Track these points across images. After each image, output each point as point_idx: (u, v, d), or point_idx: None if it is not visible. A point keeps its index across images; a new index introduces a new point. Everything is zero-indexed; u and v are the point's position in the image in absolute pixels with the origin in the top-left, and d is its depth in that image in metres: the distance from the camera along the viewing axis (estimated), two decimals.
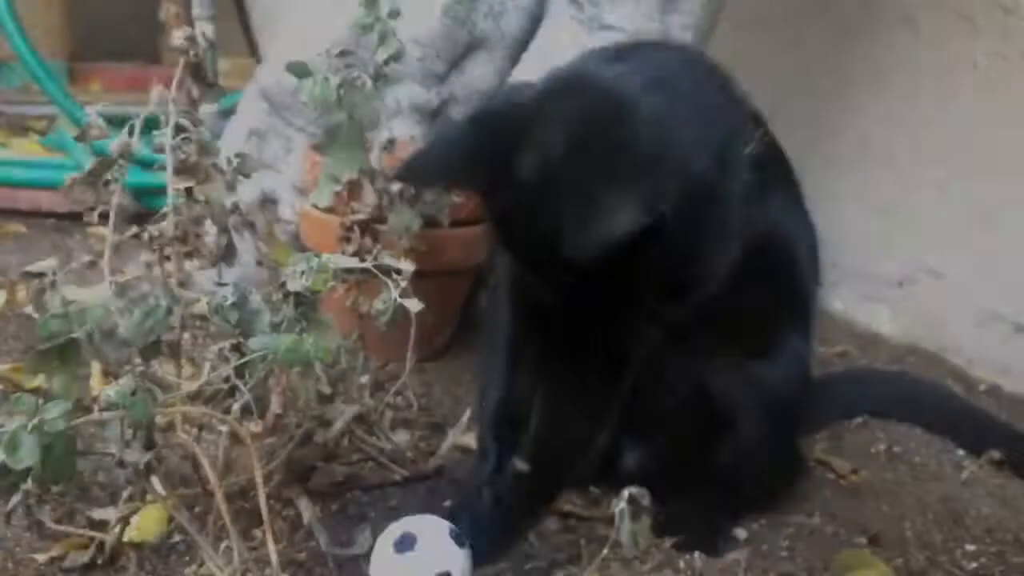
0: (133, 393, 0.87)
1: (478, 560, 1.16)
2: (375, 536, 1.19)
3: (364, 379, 1.64)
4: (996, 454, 1.63)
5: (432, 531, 1.12)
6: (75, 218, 2.30)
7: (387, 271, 1.18)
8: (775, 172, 1.38)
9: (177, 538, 1.21)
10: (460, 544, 1.12)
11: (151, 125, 1.12)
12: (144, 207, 1.13)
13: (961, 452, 1.67)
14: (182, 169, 1.11)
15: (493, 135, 1.11)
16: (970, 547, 1.39)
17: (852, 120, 2.24)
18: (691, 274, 1.19)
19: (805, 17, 2.33)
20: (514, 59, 1.93)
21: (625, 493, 1.17)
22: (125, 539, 1.17)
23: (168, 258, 1.11)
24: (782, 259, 1.38)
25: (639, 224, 0.99)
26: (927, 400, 1.78)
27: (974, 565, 1.34)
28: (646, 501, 1.19)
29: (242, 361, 1.01)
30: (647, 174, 1.04)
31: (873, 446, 1.67)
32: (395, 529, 1.12)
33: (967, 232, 2.03)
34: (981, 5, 1.96)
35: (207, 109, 2.44)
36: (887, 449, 1.66)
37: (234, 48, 3.68)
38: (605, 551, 1.22)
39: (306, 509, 1.25)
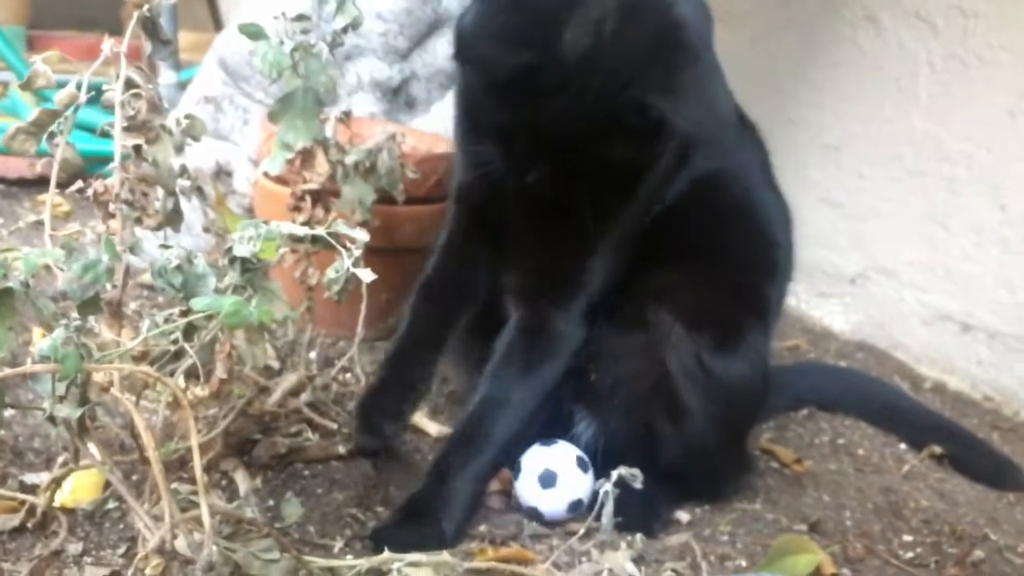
0: (65, 346, 0.84)
1: None
2: (304, 507, 1.21)
3: (313, 354, 1.64)
4: (937, 449, 1.65)
5: (565, 464, 1.31)
6: (24, 184, 2.27)
7: (340, 240, 1.16)
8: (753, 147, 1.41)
9: (112, 505, 1.18)
10: (585, 469, 1.31)
11: (99, 93, 1.09)
12: (89, 175, 1.10)
13: (903, 446, 1.70)
14: (131, 126, 1.08)
15: (539, 13, 1.12)
16: (907, 537, 1.41)
17: (811, 117, 2.26)
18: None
19: (769, 13, 2.35)
20: None
21: (614, 474, 1.17)
22: (57, 504, 1.15)
23: (113, 215, 1.08)
24: (758, 247, 1.39)
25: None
26: (872, 395, 1.80)
27: (910, 554, 1.36)
28: (638, 484, 1.19)
29: (185, 321, 0.99)
30: (708, 45, 1.22)
31: (818, 437, 1.69)
32: (536, 464, 1.31)
33: (919, 231, 2.06)
34: (941, 7, 1.99)
35: (167, 78, 2.42)
36: (831, 441, 1.68)
37: (198, 24, 3.64)
38: (582, 531, 1.23)
39: (243, 481, 1.23)
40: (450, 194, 1.44)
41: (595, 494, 1.22)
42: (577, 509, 1.30)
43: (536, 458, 1.32)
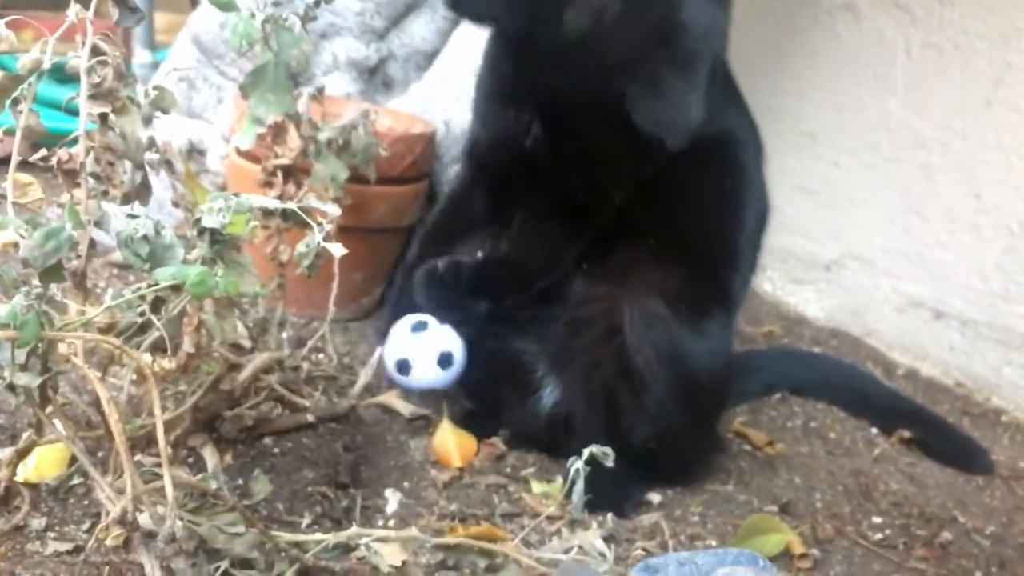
0: (24, 312, 0.83)
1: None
2: (273, 484, 1.21)
3: (285, 335, 1.63)
4: (907, 433, 1.66)
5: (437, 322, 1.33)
6: None
7: (310, 214, 1.14)
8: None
9: (77, 480, 1.17)
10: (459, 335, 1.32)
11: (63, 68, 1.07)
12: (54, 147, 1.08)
13: (874, 430, 1.71)
14: (96, 94, 1.06)
15: None
16: (877, 519, 1.41)
17: (789, 104, 2.26)
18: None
19: (747, 0, 2.34)
20: (456, 20, 1.91)
21: (585, 452, 1.16)
22: (21, 479, 1.13)
23: (78, 185, 1.06)
24: (730, 236, 1.39)
25: (703, 114, 1.19)
26: (844, 381, 1.81)
27: (879, 536, 1.37)
28: (609, 462, 1.18)
29: (150, 290, 0.98)
30: (703, 57, 1.21)
31: (790, 421, 1.70)
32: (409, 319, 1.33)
33: (894, 219, 2.07)
34: None
35: (142, 58, 2.40)
36: (803, 424, 1.69)
37: (175, 4, 3.59)
38: (551, 508, 1.22)
39: (210, 457, 1.22)
40: (462, 154, 1.49)
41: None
42: (448, 365, 1.32)
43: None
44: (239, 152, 1.59)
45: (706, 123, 1.30)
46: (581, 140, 1.21)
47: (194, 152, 1.84)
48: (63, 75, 1.09)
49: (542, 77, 1.17)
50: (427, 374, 1.30)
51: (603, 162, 1.24)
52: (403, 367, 1.30)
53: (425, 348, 1.31)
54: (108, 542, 1.02)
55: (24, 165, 1.07)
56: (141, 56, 2.53)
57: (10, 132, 1.06)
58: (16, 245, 0.99)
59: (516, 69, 1.23)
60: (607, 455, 1.20)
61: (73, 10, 1.04)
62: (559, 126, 1.22)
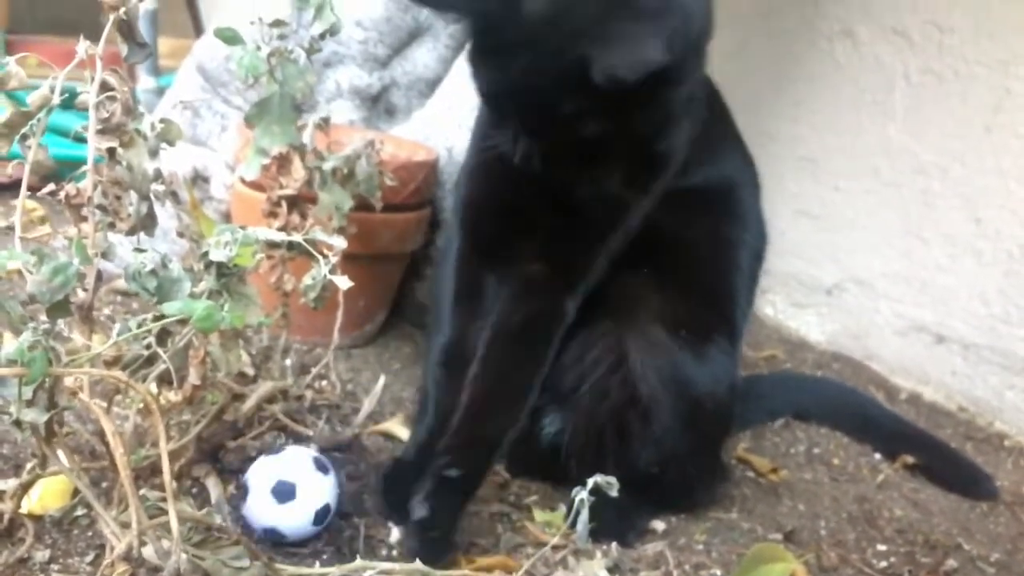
0: (32, 349, 0.83)
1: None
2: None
3: (288, 361, 1.63)
4: (910, 459, 1.66)
5: (301, 471, 1.18)
6: None
7: (316, 246, 1.15)
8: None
9: (81, 512, 1.17)
10: (325, 471, 1.19)
11: (73, 97, 1.08)
12: (62, 179, 1.09)
13: (878, 456, 1.71)
14: (105, 129, 1.07)
15: None
16: (881, 547, 1.41)
17: (788, 130, 2.27)
18: (664, 144, 1.24)
19: (748, 26, 2.36)
20: (459, 47, 1.92)
21: (590, 482, 1.16)
22: (25, 511, 1.13)
23: (85, 219, 1.07)
24: (730, 270, 1.40)
25: (664, 58, 1.10)
26: (846, 406, 1.81)
27: (884, 564, 1.37)
28: (614, 492, 1.18)
29: (157, 324, 0.98)
30: (668, 15, 1.14)
31: (793, 447, 1.70)
32: (267, 477, 1.16)
33: (895, 243, 2.08)
34: (917, 22, 2.01)
35: (146, 84, 2.41)
36: (807, 450, 1.69)
37: (178, 29, 3.62)
38: (555, 538, 1.22)
39: (214, 487, 1.22)
40: (455, 214, 1.43)
41: (337, 499, 1.18)
42: (325, 518, 1.18)
43: (265, 470, 1.18)
44: (244, 181, 1.60)
45: (703, 172, 1.31)
46: (560, 130, 1.18)
47: (198, 179, 1.85)
48: (70, 102, 1.09)
49: (511, 67, 1.15)
50: (302, 533, 1.17)
51: (587, 150, 1.20)
52: (272, 533, 1.16)
53: (297, 514, 1.16)
54: None
55: (32, 196, 1.08)
56: (145, 82, 2.55)
57: (20, 159, 1.07)
58: (19, 273, 1.00)
59: (488, 68, 1.20)
60: (611, 485, 1.20)
61: (82, 46, 1.05)
62: (539, 123, 1.19)
